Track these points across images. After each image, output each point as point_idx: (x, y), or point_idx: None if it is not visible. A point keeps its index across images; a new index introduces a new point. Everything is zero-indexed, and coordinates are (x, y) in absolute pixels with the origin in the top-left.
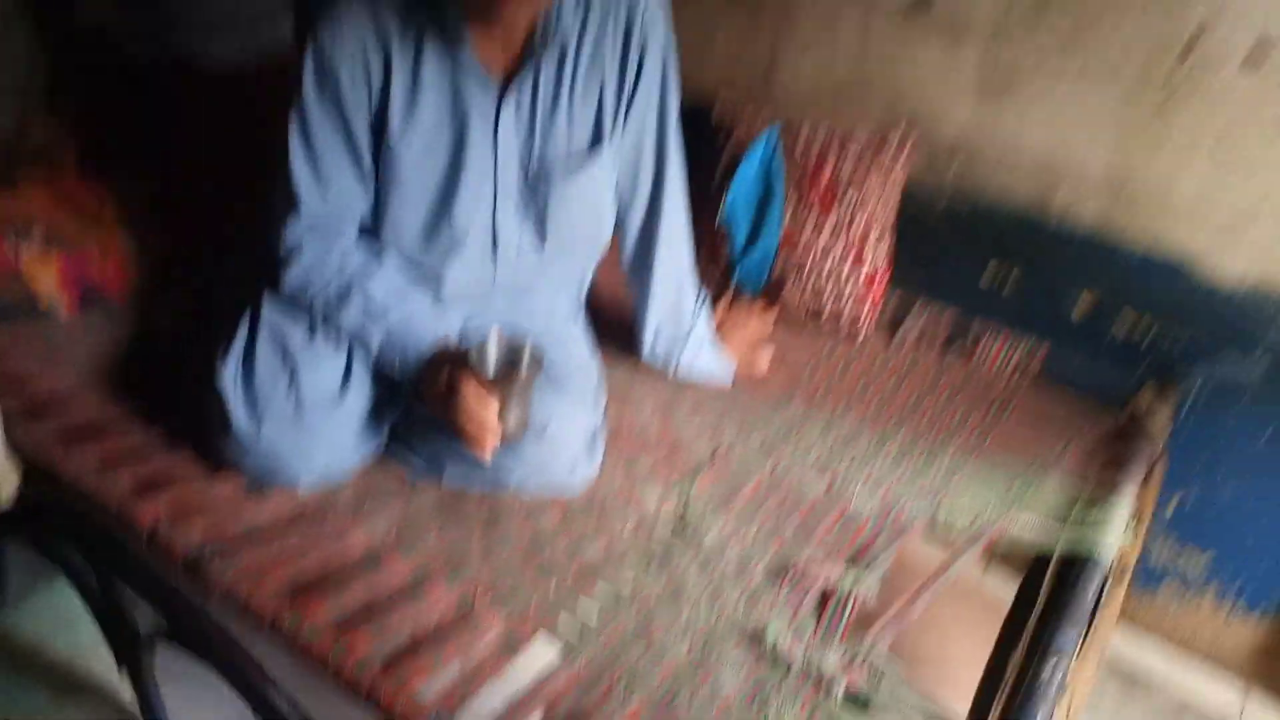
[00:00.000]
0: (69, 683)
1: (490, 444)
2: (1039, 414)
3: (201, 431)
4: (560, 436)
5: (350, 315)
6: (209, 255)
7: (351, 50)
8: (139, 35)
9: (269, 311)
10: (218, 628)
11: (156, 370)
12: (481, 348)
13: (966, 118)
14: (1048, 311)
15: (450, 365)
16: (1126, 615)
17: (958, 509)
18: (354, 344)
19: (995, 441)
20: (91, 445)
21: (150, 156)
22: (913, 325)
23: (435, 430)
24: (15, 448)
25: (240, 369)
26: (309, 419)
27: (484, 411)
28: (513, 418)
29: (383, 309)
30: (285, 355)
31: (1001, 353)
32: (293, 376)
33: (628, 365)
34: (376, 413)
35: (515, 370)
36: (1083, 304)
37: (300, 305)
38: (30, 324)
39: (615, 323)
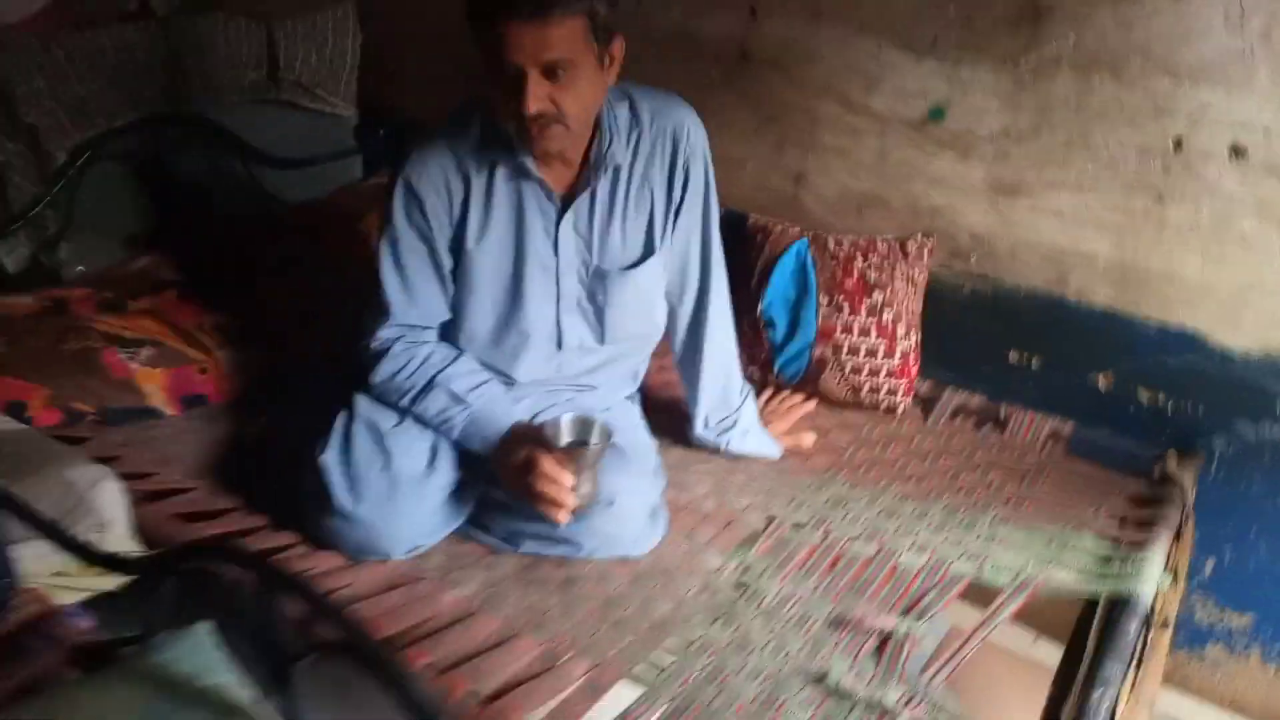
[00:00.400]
0: (224, 708)
1: (566, 512)
2: (1070, 483)
3: (302, 516)
4: (627, 509)
5: (434, 405)
6: (291, 365)
7: (435, 180)
8: (226, 182)
9: (362, 404)
10: (379, 641)
11: (254, 468)
12: (555, 424)
13: (981, 217)
14: (1071, 388)
15: (527, 442)
16: (1176, 678)
17: (1000, 566)
18: (438, 430)
19: (1031, 507)
20: (207, 524)
21: (238, 283)
22: (945, 406)
23: (512, 512)
24: (138, 527)
25: (340, 453)
26: (401, 496)
27: (560, 482)
28: (585, 488)
29: (463, 398)
30: (379, 439)
31: (1031, 428)
32: (386, 458)
33: (682, 447)
34: (459, 492)
35: (586, 444)
36: (1103, 380)
37: (388, 399)
38: (143, 426)
39: (668, 409)
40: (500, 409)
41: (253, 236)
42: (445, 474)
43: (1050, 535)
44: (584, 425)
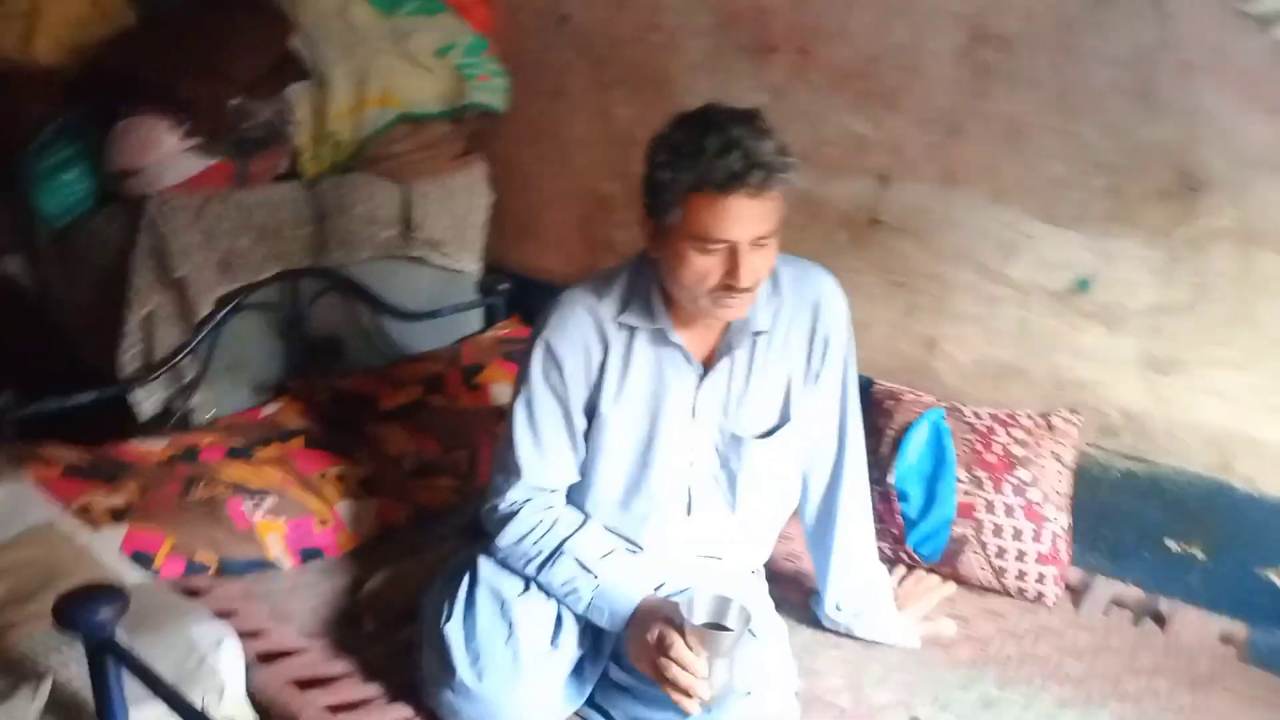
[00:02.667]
0: None
1: (696, 703)
2: (1249, 694)
3: (418, 687)
4: (761, 697)
5: (560, 574)
6: (409, 519)
7: (574, 342)
8: (355, 333)
9: (485, 569)
10: None
11: (369, 631)
12: (689, 603)
13: (1133, 394)
14: (1243, 585)
15: (660, 621)
16: None
17: None
18: (563, 601)
19: None
20: (320, 691)
21: (361, 432)
22: (1100, 597)
23: (635, 696)
24: (250, 693)
25: (463, 623)
26: (524, 672)
27: (692, 669)
28: (719, 677)
29: (591, 568)
30: (503, 609)
31: (1197, 629)
32: (510, 630)
33: (809, 630)
34: (581, 670)
35: (723, 628)
36: (1279, 577)
37: (514, 564)
38: (260, 578)
39: (793, 583)
40: (629, 582)
41: (376, 386)
42: (569, 650)
43: None
44: (720, 605)
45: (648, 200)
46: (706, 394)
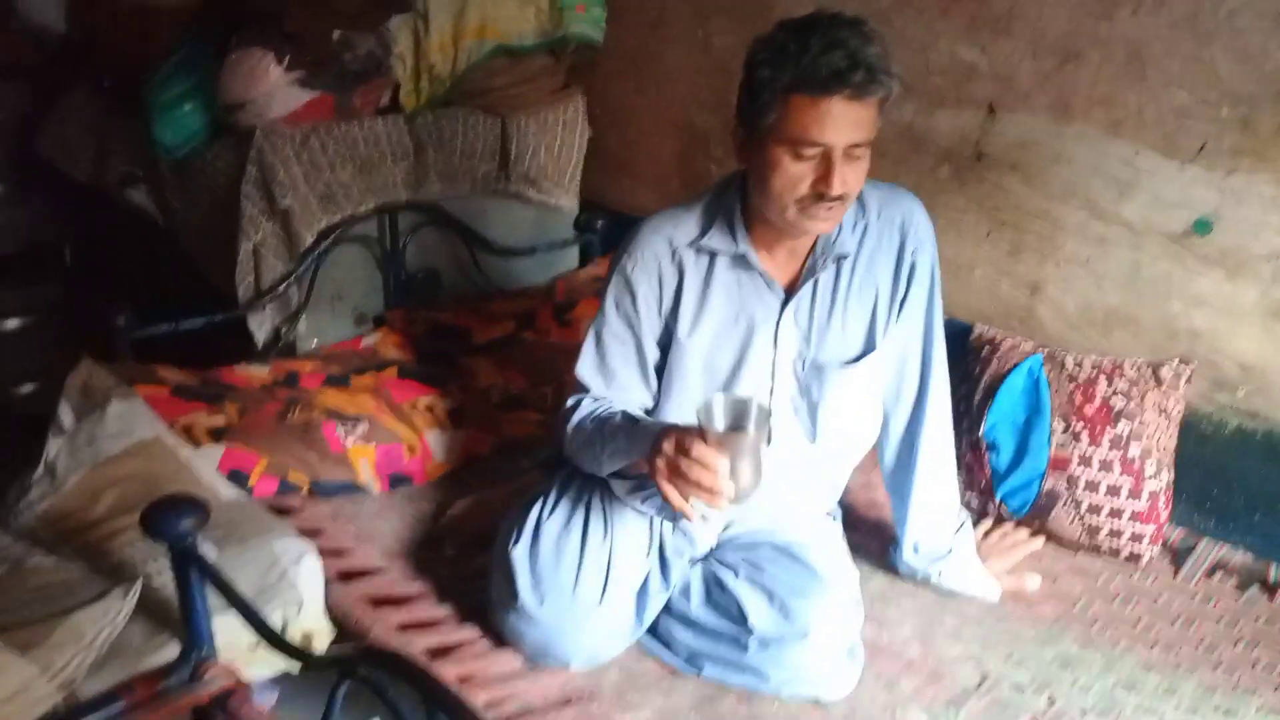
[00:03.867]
0: None
1: (722, 499)
2: None
3: (486, 609)
4: (821, 640)
5: (609, 427)
6: (496, 449)
7: (649, 270)
8: (452, 267)
9: (554, 499)
10: None
11: (448, 554)
12: (708, 407)
13: (1253, 345)
14: None
15: (678, 431)
16: None
17: None
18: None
19: None
20: (393, 610)
21: (454, 365)
22: (1201, 560)
23: (694, 631)
24: (328, 608)
25: (529, 548)
26: (584, 599)
27: (713, 468)
28: (745, 476)
29: (639, 418)
30: (568, 538)
31: None
32: (573, 559)
33: (885, 575)
34: (644, 600)
35: (743, 428)
36: None
37: (576, 450)
38: (350, 500)
39: (873, 532)
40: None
41: (471, 320)
42: (632, 580)
43: None
44: (739, 406)
45: (743, 104)
46: (789, 320)
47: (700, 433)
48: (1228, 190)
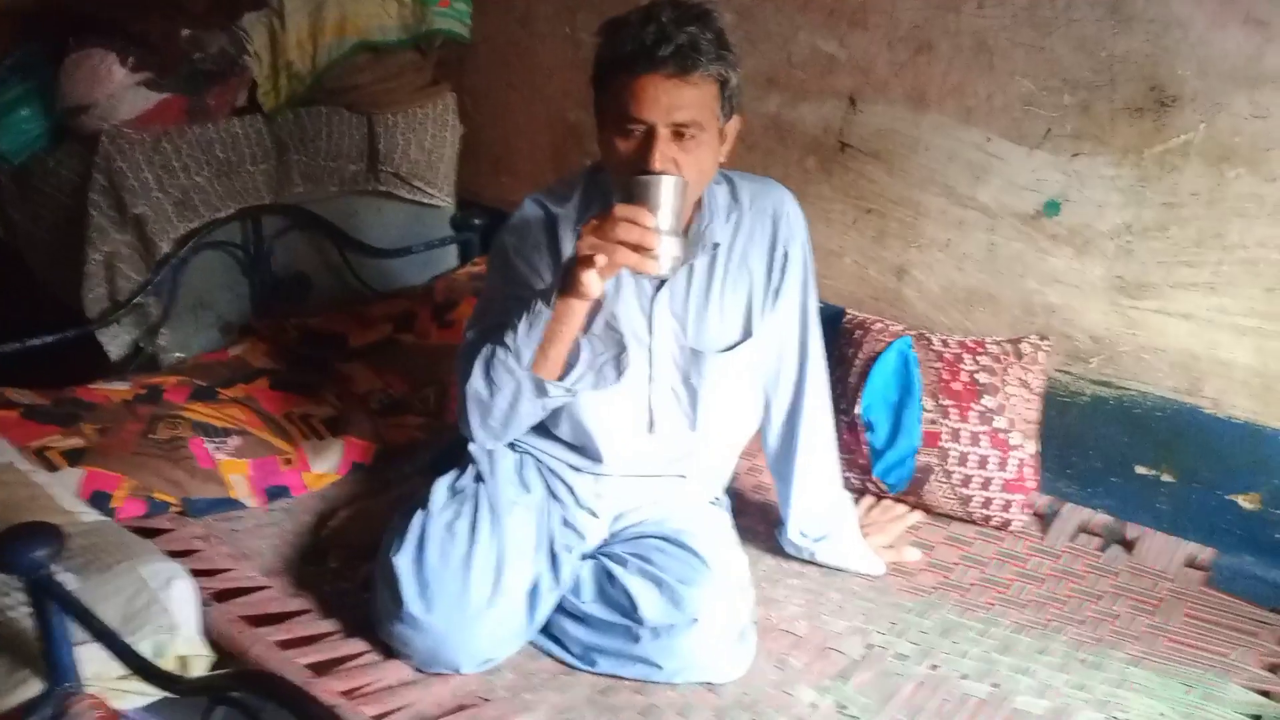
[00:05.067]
0: None
1: (653, 239)
2: (1211, 618)
3: (373, 620)
4: (711, 626)
5: (508, 324)
6: (377, 457)
7: (528, 243)
8: (323, 271)
9: (438, 500)
10: None
11: (331, 567)
12: (623, 184)
13: (1102, 318)
14: (1210, 509)
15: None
16: None
17: (1133, 716)
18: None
19: (1166, 646)
20: (275, 629)
21: (329, 371)
22: (1066, 523)
23: (588, 626)
24: (205, 631)
25: (414, 554)
26: (474, 602)
27: (640, 217)
28: (667, 221)
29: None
30: (454, 540)
31: (1164, 553)
32: (460, 562)
33: (772, 556)
34: (533, 603)
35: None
36: (1247, 501)
37: (477, 389)
38: (224, 518)
39: (759, 513)
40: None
41: (346, 324)
42: (521, 580)
43: (1189, 682)
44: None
45: (593, 90)
46: (662, 306)
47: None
48: (1072, 172)
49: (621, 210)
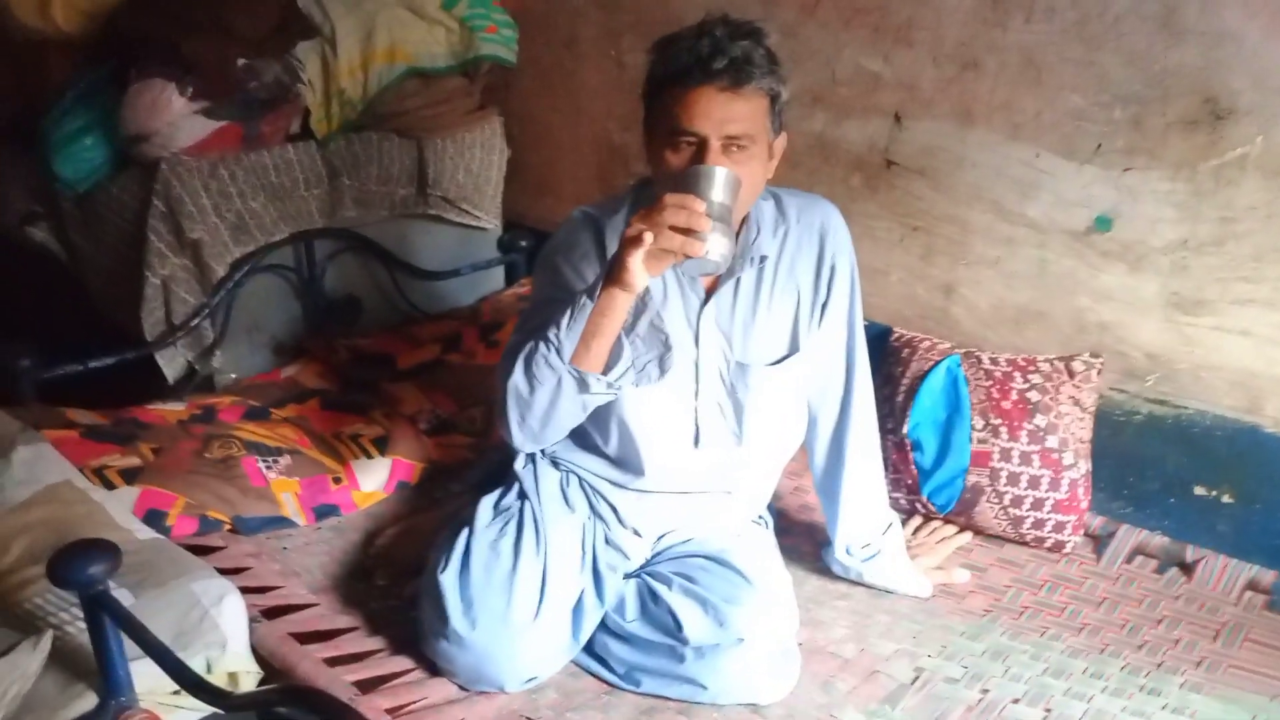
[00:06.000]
0: None
1: (702, 223)
2: (1274, 644)
3: (418, 638)
4: (756, 646)
5: (552, 322)
6: (426, 475)
7: (574, 258)
8: (373, 293)
9: (483, 518)
10: None
11: (379, 585)
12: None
13: (1157, 336)
14: (1272, 531)
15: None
16: None
17: None
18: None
19: (1228, 673)
20: (322, 646)
21: (379, 392)
22: (1121, 545)
23: (631, 645)
24: (253, 647)
25: (459, 572)
26: (517, 620)
27: (689, 203)
28: (719, 203)
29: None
30: (498, 559)
31: (1224, 576)
32: (504, 580)
33: (818, 577)
34: (579, 617)
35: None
36: None
37: (519, 384)
38: (275, 535)
39: (805, 534)
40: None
41: (395, 345)
42: (566, 598)
43: (1254, 709)
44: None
45: (643, 108)
46: (709, 320)
47: None
48: (1124, 188)
49: (672, 197)
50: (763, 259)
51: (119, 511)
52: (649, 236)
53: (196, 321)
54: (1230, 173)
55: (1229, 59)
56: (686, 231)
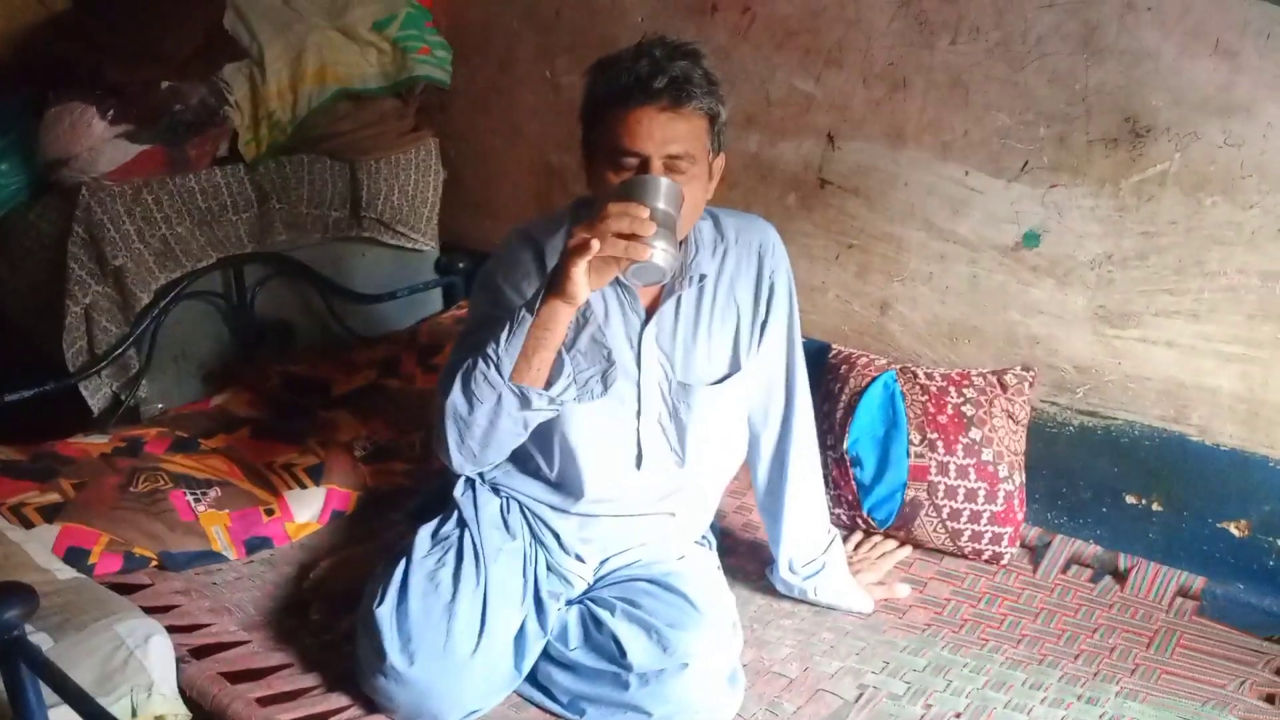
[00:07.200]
0: None
1: (647, 228)
2: (1205, 649)
3: (355, 674)
4: (701, 670)
5: (492, 337)
6: (360, 505)
7: (514, 277)
8: (306, 318)
9: (420, 550)
10: None
11: (313, 620)
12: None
13: (1086, 348)
14: (1200, 538)
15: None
16: None
17: None
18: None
19: (1162, 679)
20: (254, 685)
21: (312, 420)
22: (1057, 555)
23: (575, 674)
24: (182, 688)
25: (395, 606)
26: (458, 653)
27: (633, 209)
28: (660, 210)
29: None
30: (437, 590)
31: (1155, 583)
32: (443, 612)
33: (762, 599)
34: (519, 651)
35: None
36: (1236, 529)
37: (457, 404)
38: (205, 571)
39: (749, 553)
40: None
41: (330, 371)
42: (506, 630)
43: (1188, 715)
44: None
45: (582, 128)
46: (650, 340)
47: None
48: (1050, 204)
49: (615, 205)
50: (702, 278)
51: (37, 551)
52: (595, 244)
53: (120, 351)
54: (1151, 188)
55: (1147, 77)
56: (630, 237)
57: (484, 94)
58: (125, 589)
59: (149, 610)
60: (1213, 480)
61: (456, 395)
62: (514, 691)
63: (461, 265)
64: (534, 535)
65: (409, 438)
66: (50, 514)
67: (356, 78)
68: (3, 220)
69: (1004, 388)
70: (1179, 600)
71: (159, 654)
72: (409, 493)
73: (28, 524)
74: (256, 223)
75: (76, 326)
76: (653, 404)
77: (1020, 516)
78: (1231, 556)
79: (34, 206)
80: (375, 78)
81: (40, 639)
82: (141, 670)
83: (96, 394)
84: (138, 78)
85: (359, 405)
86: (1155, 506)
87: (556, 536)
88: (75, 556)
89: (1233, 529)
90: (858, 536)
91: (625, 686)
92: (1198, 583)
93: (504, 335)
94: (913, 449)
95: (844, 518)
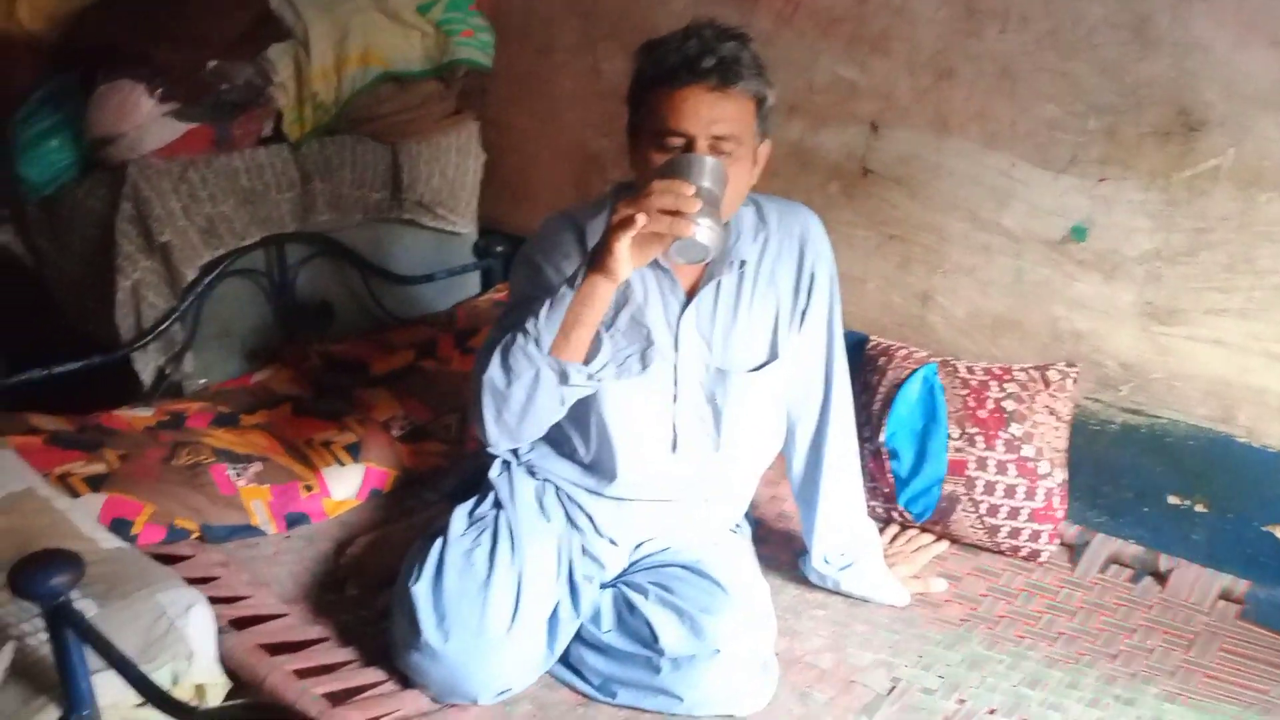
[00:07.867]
0: None
1: (691, 205)
2: (1247, 654)
3: (390, 649)
4: (732, 656)
5: (530, 311)
6: (399, 483)
7: (554, 258)
8: (346, 298)
9: (457, 528)
10: None
11: (350, 594)
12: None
13: (1131, 345)
14: (1245, 540)
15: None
16: None
17: None
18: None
19: (1202, 683)
20: (292, 658)
21: (352, 398)
22: (1096, 554)
23: (607, 656)
24: (222, 659)
25: (432, 583)
26: (492, 632)
27: (676, 186)
28: (705, 188)
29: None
30: (472, 570)
31: (1197, 585)
32: (478, 591)
33: (795, 586)
34: (552, 632)
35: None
36: None
37: (494, 377)
38: (244, 544)
39: (782, 543)
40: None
41: (369, 351)
42: (540, 610)
43: (1227, 719)
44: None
45: (629, 110)
46: (689, 324)
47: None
48: (1098, 197)
49: (660, 182)
50: (743, 263)
51: (83, 520)
52: (641, 218)
53: (167, 325)
54: (1203, 183)
55: (1200, 69)
56: (675, 214)
57: (525, 78)
58: (167, 560)
59: (190, 581)
60: (1260, 482)
61: (495, 369)
62: (546, 672)
63: (499, 249)
64: (569, 518)
65: (445, 419)
66: (96, 484)
67: (400, 60)
68: (51, 197)
69: (1047, 383)
70: (1221, 603)
71: (200, 624)
72: (445, 474)
73: (74, 493)
74: (299, 202)
75: (127, 300)
76: (690, 389)
77: (1060, 514)
78: (1277, 560)
79: (82, 184)
80: (418, 60)
81: (85, 606)
82: (182, 640)
83: (146, 368)
84: (185, 57)
85: (396, 386)
86: (1199, 508)
87: (591, 520)
88: (119, 526)
89: (1278, 532)
90: (894, 530)
91: (657, 670)
92: (1241, 586)
93: (544, 310)
94: (952, 443)
95: (880, 510)
